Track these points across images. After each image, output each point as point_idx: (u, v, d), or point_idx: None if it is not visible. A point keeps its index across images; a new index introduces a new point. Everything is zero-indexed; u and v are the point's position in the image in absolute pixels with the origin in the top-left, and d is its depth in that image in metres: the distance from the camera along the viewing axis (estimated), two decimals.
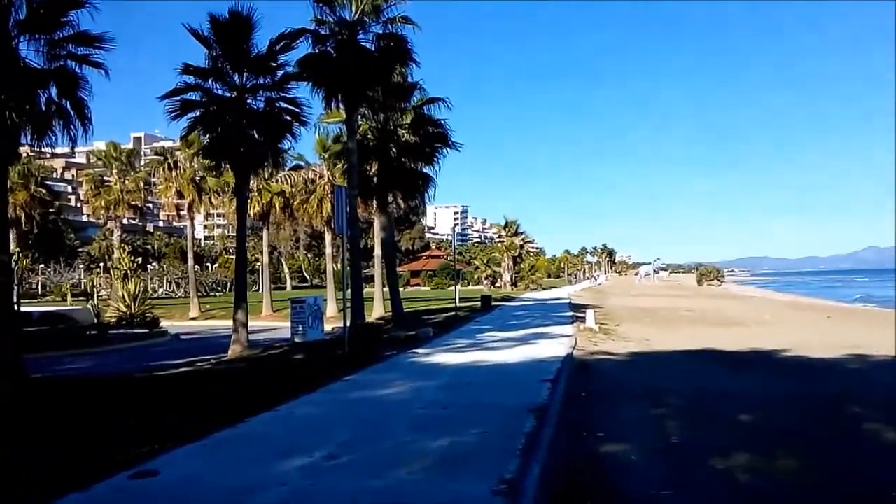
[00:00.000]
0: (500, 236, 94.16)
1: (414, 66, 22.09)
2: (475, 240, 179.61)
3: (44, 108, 13.69)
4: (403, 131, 26.24)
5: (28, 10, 13.19)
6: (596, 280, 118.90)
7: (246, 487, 5.26)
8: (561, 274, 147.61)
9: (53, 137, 13.98)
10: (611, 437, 7.00)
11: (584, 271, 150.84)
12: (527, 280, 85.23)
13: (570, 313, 28.33)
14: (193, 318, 38.10)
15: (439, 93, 25.48)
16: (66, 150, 16.42)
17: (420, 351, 15.25)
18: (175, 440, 6.79)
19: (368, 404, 9.03)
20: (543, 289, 79.41)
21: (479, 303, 36.56)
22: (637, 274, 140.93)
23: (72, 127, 14.06)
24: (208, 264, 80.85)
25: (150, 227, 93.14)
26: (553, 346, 15.43)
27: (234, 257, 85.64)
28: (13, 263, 17.11)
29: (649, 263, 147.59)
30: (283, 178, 39.56)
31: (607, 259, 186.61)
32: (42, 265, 53.58)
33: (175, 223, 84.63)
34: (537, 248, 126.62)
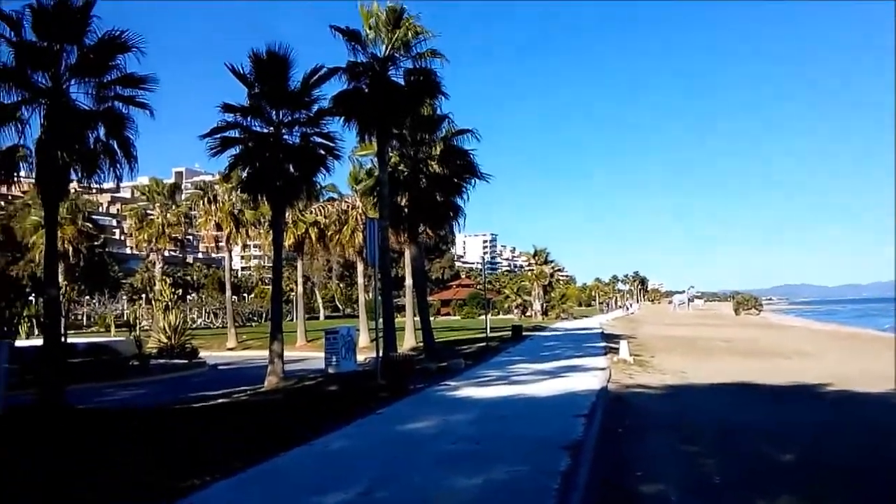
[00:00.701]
0: (529, 265, 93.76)
1: (443, 97, 22.55)
2: (504, 268, 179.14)
3: (92, 147, 14.39)
4: (433, 162, 26.64)
5: (79, 54, 13.98)
6: (628, 309, 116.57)
7: None
8: (592, 302, 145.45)
9: (101, 175, 14.66)
10: (649, 475, 6.82)
11: (616, 299, 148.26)
12: (557, 309, 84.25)
13: (603, 344, 27.84)
14: (230, 349, 38.71)
15: (465, 118, 25.93)
16: (112, 185, 17.12)
17: (451, 383, 15.17)
18: (212, 473, 6.89)
19: (401, 439, 9.01)
20: (575, 318, 78.30)
21: (509, 332, 36.27)
22: (671, 302, 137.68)
23: (118, 165, 14.71)
24: (245, 294, 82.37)
25: (189, 259, 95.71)
26: (586, 378, 15.16)
27: (269, 287, 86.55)
28: (60, 296, 17.76)
29: (683, 291, 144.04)
30: (317, 210, 40.35)
31: (639, 287, 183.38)
32: (87, 297, 55.44)
33: (213, 255, 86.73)
34: (567, 277, 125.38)
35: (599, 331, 41.72)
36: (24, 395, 14.01)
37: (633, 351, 20.21)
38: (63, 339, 18.15)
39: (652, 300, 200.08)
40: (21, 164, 13.58)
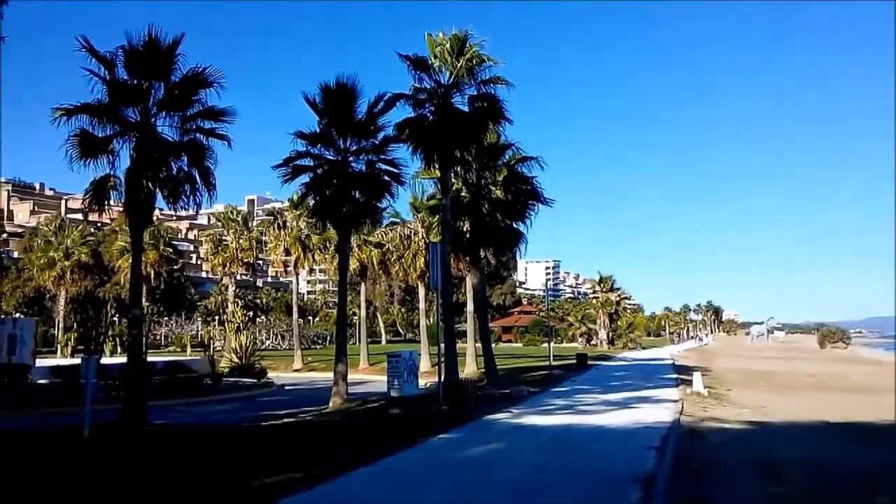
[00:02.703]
0: (594, 292, 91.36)
1: (507, 123, 22.61)
2: (567, 295, 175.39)
3: (175, 175, 15.31)
4: (495, 188, 26.66)
5: (165, 90, 15.02)
6: (701, 340, 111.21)
7: None
8: (661, 333, 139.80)
9: (183, 202, 15.53)
10: None
11: (688, 330, 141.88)
12: (624, 338, 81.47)
13: (675, 375, 26.57)
14: (296, 370, 39.68)
15: (529, 141, 25.85)
16: (192, 212, 18.12)
17: (515, 410, 14.85)
18: (281, 492, 6.99)
19: (464, 465, 8.84)
20: (643, 348, 75.41)
21: (573, 361, 35.31)
22: (748, 333, 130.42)
23: (198, 192, 15.57)
24: (310, 318, 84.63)
25: (259, 283, 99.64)
26: (657, 410, 14.46)
27: (333, 311, 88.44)
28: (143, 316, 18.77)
29: (761, 322, 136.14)
30: (380, 235, 41.15)
31: (713, 317, 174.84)
32: (165, 318, 58.61)
33: (281, 279, 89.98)
34: (634, 305, 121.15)
35: (670, 362, 39.93)
36: (108, 410, 14.81)
37: (708, 384, 19.15)
38: (144, 358, 19.15)
39: (727, 331, 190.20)
40: (111, 193, 14.59)
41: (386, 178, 20.52)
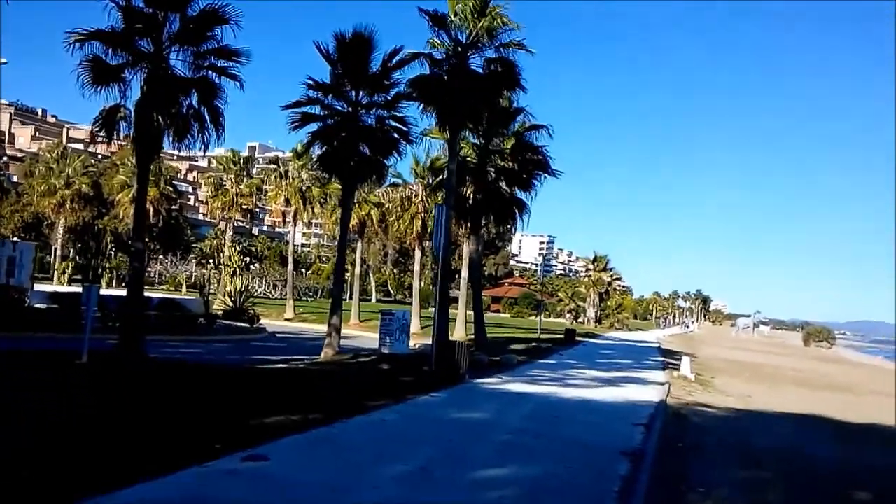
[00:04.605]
0: (587, 270, 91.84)
1: (521, 91, 22.27)
2: (559, 271, 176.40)
3: (185, 112, 15.05)
4: (503, 155, 26.45)
5: (181, 23, 14.64)
6: (688, 327, 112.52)
7: (344, 486, 5.43)
8: (648, 316, 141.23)
9: (191, 140, 15.33)
10: (711, 493, 6.54)
11: (675, 316, 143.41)
12: (612, 318, 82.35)
13: (661, 358, 27.02)
14: (288, 319, 40.00)
15: (537, 111, 25.50)
16: (199, 151, 17.89)
17: (503, 377, 15.11)
18: (281, 431, 7.15)
19: (456, 423, 9.04)
20: (629, 329, 76.36)
21: (561, 336, 35.76)
22: (734, 325, 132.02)
23: (206, 131, 15.35)
24: (303, 270, 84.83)
25: (254, 231, 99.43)
26: (645, 390, 14.76)
27: (325, 266, 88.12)
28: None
29: (748, 316, 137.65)
30: (380, 195, 40.96)
31: (701, 306, 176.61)
32: (161, 256, 58.58)
33: (278, 229, 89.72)
34: (624, 287, 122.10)
35: (657, 345, 40.54)
36: (104, 340, 14.96)
37: (694, 370, 19.48)
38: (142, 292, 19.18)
39: (713, 321, 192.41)
40: (121, 123, 14.38)
41: (395, 135, 20.29)
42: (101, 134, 14.61)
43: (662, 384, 16.40)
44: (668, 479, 6.94)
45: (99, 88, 13.69)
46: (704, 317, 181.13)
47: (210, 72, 15.17)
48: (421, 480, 5.89)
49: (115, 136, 14.67)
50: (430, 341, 18.63)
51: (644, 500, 6.01)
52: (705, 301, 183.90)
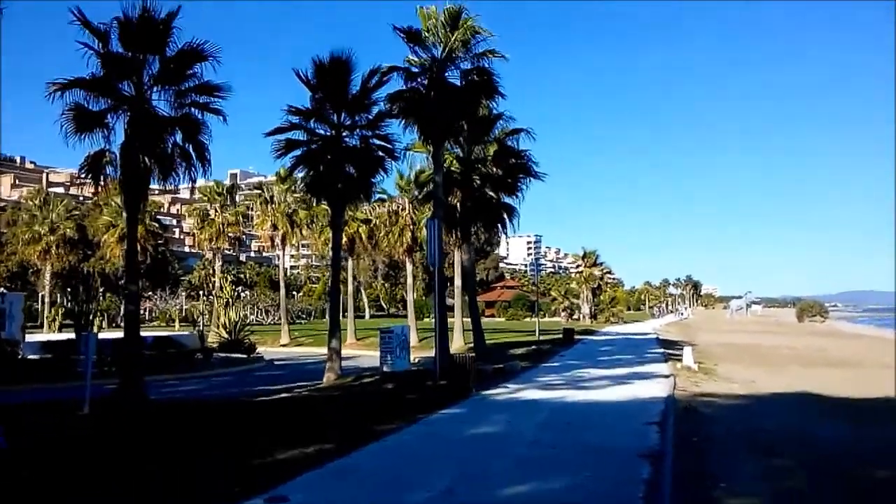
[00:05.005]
0: (577, 266, 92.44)
1: (500, 98, 22.48)
2: (549, 270, 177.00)
3: (170, 151, 15.06)
4: (486, 163, 26.63)
5: (160, 64, 14.68)
6: (682, 314, 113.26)
7: None
8: (641, 307, 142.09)
9: (176, 177, 15.32)
10: (735, 489, 6.62)
11: (668, 304, 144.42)
12: (607, 313, 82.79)
13: (661, 350, 27.19)
14: (284, 345, 39.78)
15: (517, 115, 25.63)
16: (186, 186, 17.84)
17: (511, 386, 15.14)
18: (296, 466, 7.12)
19: (471, 440, 9.05)
20: (625, 322, 76.74)
21: (559, 336, 35.86)
22: (727, 308, 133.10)
23: (193, 167, 15.36)
24: (294, 293, 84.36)
25: (242, 257, 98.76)
26: (651, 385, 14.86)
27: (316, 286, 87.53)
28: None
29: (740, 297, 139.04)
30: (367, 211, 40.99)
31: (692, 291, 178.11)
32: (150, 292, 58.04)
33: (265, 253, 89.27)
34: (615, 280, 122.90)
35: (654, 336, 40.77)
36: (102, 386, 14.79)
37: (695, 358, 19.64)
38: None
39: (705, 305, 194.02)
40: (107, 168, 14.33)
41: (380, 153, 20.40)
42: (87, 179, 14.55)
43: (667, 377, 16.52)
44: (690, 478, 6.98)
45: (83, 136, 13.67)
46: (697, 302, 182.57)
47: (193, 108, 15.25)
48: None
49: (102, 181, 14.60)
50: (429, 354, 18.61)
51: (670, 502, 6.08)
52: (696, 286, 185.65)
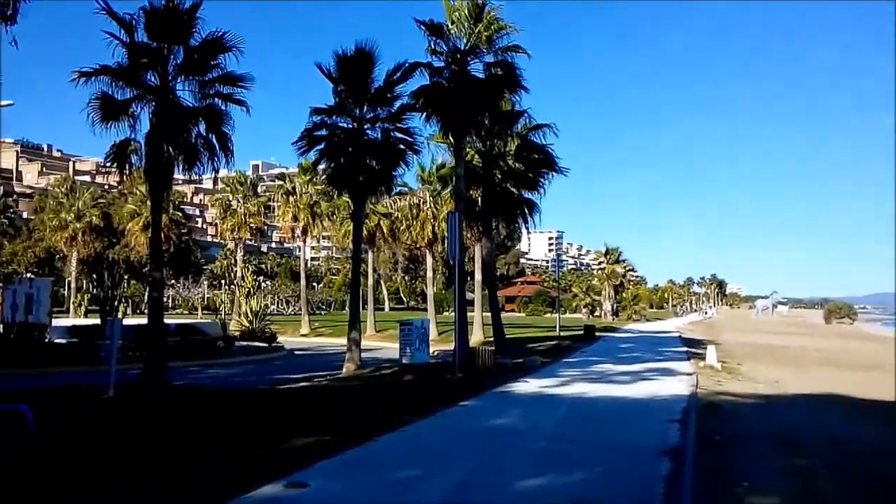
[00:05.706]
0: (599, 263, 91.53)
1: (522, 92, 22.27)
2: (570, 266, 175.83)
3: (194, 141, 15.22)
4: (508, 157, 26.44)
5: (185, 54, 14.81)
6: (706, 313, 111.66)
7: None
8: (664, 305, 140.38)
9: (200, 167, 15.49)
10: (757, 487, 6.47)
11: (692, 303, 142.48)
12: (629, 310, 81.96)
13: (684, 348, 26.83)
14: (304, 335, 40.15)
15: (538, 110, 25.45)
16: (210, 176, 18.08)
17: (530, 380, 15.04)
18: (314, 454, 7.15)
19: (489, 433, 9.00)
20: (647, 320, 75.94)
21: (580, 332, 35.62)
22: (752, 308, 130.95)
23: (216, 157, 15.51)
24: (314, 284, 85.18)
25: (263, 248, 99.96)
26: (673, 383, 14.65)
27: (336, 278, 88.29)
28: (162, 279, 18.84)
29: (766, 297, 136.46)
30: (388, 205, 41.11)
31: (717, 290, 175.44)
32: (173, 281, 59.12)
33: (287, 244, 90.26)
34: (638, 277, 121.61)
35: (677, 335, 40.26)
36: (127, 371, 15.05)
37: (719, 357, 19.32)
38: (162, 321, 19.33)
39: (730, 305, 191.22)
40: (132, 157, 14.54)
41: (401, 146, 20.38)
42: (112, 168, 14.78)
43: (689, 375, 16.27)
44: (711, 476, 6.85)
45: (109, 124, 13.87)
46: (722, 301, 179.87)
47: (216, 99, 15.37)
48: (464, 496, 5.87)
49: (126, 170, 14.83)
50: (448, 347, 18.60)
51: (690, 500, 5.96)
52: (721, 285, 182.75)
